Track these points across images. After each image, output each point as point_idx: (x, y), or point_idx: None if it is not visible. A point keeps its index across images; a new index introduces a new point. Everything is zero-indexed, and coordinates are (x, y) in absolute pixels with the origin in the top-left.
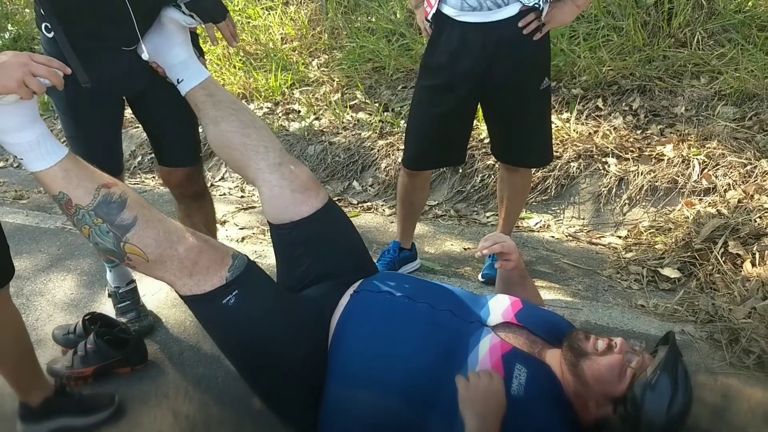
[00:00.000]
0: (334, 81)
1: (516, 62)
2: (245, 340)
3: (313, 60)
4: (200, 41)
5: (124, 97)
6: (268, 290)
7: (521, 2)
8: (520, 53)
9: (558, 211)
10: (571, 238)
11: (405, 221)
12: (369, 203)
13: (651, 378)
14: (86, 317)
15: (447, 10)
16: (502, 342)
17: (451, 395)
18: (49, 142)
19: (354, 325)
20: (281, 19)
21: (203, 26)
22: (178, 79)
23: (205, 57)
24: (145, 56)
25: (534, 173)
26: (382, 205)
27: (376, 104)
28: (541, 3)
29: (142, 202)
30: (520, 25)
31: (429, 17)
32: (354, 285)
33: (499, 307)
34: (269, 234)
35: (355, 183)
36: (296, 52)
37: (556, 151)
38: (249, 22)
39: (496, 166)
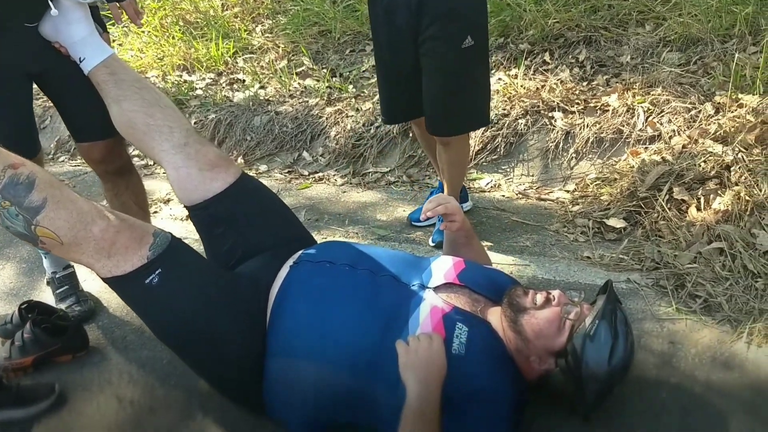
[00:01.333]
0: (279, 47)
1: (438, 16)
2: (174, 319)
3: (256, 26)
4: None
5: (30, 76)
6: (195, 267)
7: None
8: (442, 7)
9: (508, 169)
10: (520, 196)
11: (438, 163)
12: (321, 173)
13: (590, 328)
14: (22, 306)
15: None
16: (443, 303)
17: (394, 362)
18: None
19: (293, 298)
20: None
21: (104, 3)
22: (80, 58)
23: (110, 33)
24: (44, 34)
25: (483, 132)
26: (334, 175)
27: (324, 70)
28: None
29: (53, 182)
30: None
31: None
32: (293, 256)
33: (442, 268)
34: None
35: (305, 154)
36: (238, 18)
37: (504, 109)
38: None
39: None
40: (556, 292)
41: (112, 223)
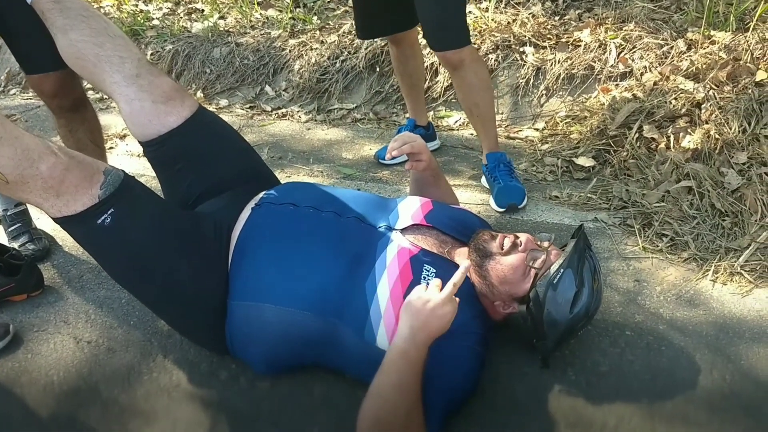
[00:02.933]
0: None
1: None
2: (128, 261)
3: None
4: None
5: None
6: (150, 207)
7: None
8: None
9: None
10: None
11: (409, 95)
12: (284, 109)
13: (554, 277)
14: None
15: None
16: (410, 244)
17: (360, 303)
18: None
19: (255, 241)
20: None
21: None
22: None
23: None
24: None
25: None
26: (298, 111)
27: (287, 0)
28: None
29: None
30: None
31: None
32: (255, 198)
33: (409, 209)
34: None
35: (267, 88)
36: None
37: (475, 44)
38: None
39: None
40: (523, 237)
41: (60, 160)
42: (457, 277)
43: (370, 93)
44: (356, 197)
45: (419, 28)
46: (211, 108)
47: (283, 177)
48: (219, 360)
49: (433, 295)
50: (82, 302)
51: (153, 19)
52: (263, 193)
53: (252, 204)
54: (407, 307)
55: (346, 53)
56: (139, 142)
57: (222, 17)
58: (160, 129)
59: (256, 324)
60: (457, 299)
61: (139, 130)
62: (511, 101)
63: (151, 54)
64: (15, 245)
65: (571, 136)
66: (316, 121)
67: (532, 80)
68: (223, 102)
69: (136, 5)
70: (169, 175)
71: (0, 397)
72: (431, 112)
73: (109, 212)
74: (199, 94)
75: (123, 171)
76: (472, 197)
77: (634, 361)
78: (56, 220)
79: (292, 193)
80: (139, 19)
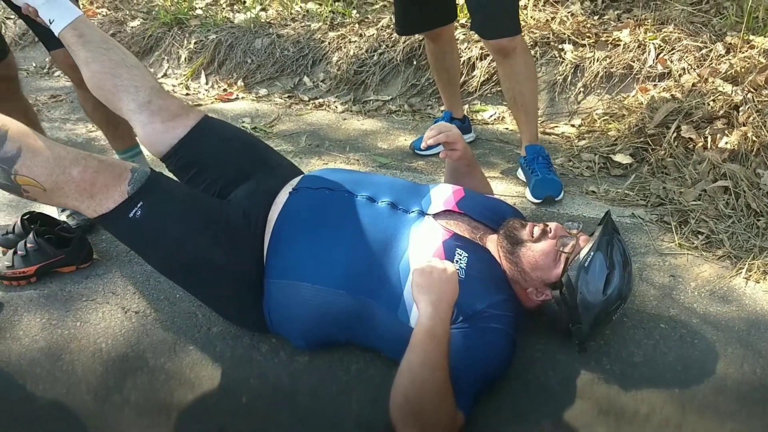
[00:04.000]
0: None
1: None
2: (162, 248)
3: None
4: None
5: None
6: (178, 196)
7: None
8: None
9: None
10: None
11: (446, 90)
12: (321, 100)
13: (585, 260)
14: (24, 216)
15: None
16: (443, 229)
17: (394, 284)
18: None
19: (293, 223)
20: None
21: None
22: (49, 20)
23: None
24: None
25: (489, 63)
26: (335, 102)
27: None
28: None
29: (25, 132)
30: None
31: None
32: (292, 182)
33: (441, 195)
34: None
35: (305, 79)
36: None
37: None
38: None
39: None
40: (553, 224)
41: (90, 164)
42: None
43: (406, 86)
44: (390, 183)
45: (457, 24)
46: (251, 96)
47: (320, 164)
48: (260, 334)
49: (428, 267)
50: (129, 275)
51: (196, 8)
52: (300, 176)
53: (289, 188)
54: (417, 288)
55: (384, 46)
56: (160, 160)
57: (263, 9)
58: (170, 141)
59: (293, 301)
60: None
61: (155, 148)
62: (548, 97)
63: (195, 43)
64: (63, 217)
65: (609, 133)
66: (351, 111)
67: (570, 77)
68: (263, 91)
69: None
70: (188, 182)
71: (49, 361)
72: (467, 106)
73: (138, 205)
74: (240, 82)
75: (150, 168)
76: (508, 189)
77: (668, 353)
78: (94, 220)
79: (328, 179)
80: (182, 8)
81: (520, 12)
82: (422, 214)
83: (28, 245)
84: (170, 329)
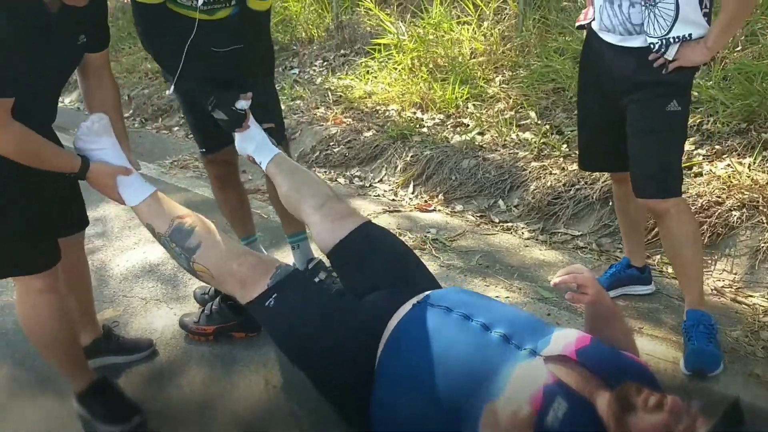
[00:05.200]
0: (510, 98)
1: (646, 84)
2: (287, 337)
3: (496, 76)
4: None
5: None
6: (311, 294)
7: (646, 37)
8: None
9: (709, 261)
10: (715, 293)
11: (628, 235)
12: (510, 224)
13: None
14: None
15: (593, 24)
16: (548, 373)
17: (476, 420)
18: (137, 184)
19: (406, 337)
20: (474, 32)
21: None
22: (259, 162)
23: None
24: (239, 149)
25: None
26: (523, 228)
27: (547, 125)
28: (661, 44)
29: (209, 229)
30: (650, 58)
31: (579, 23)
32: (418, 296)
33: (562, 339)
34: None
35: (500, 202)
36: (482, 67)
37: (719, 197)
38: (444, 36)
39: None
40: (671, 398)
41: (247, 260)
42: None
43: (599, 225)
44: (512, 315)
45: None
46: (447, 210)
47: (480, 284)
48: None
49: (501, 407)
50: (279, 352)
51: (424, 126)
52: (428, 292)
53: (414, 300)
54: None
55: (582, 182)
56: (326, 255)
57: (481, 133)
58: (335, 239)
59: (393, 411)
60: (529, 406)
61: (323, 244)
62: (748, 264)
63: (411, 156)
64: None
65: None
66: (537, 240)
67: None
68: (458, 207)
69: (414, 113)
70: (342, 276)
71: (195, 414)
72: (658, 257)
73: (273, 296)
74: (441, 196)
75: (294, 266)
76: (664, 352)
77: None
78: (245, 306)
79: (451, 298)
80: (412, 125)
81: (724, 174)
82: (534, 353)
83: (214, 307)
84: (298, 411)
